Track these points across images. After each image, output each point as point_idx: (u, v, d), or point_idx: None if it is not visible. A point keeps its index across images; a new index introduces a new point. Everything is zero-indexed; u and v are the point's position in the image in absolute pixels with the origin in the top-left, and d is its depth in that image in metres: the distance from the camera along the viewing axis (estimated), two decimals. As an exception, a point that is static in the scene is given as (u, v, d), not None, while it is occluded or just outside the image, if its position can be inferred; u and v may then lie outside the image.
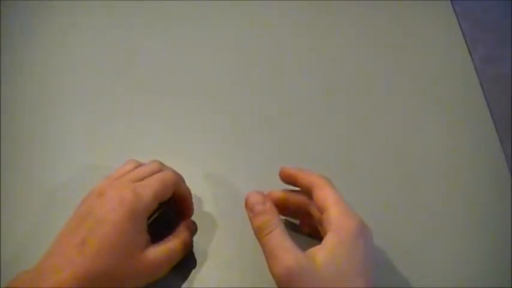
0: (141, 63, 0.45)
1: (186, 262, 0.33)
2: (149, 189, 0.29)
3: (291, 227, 0.35)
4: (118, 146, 0.40)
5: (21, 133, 0.41)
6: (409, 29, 0.47)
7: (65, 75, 0.45)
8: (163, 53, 0.46)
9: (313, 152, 0.40)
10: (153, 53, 0.46)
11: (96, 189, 0.30)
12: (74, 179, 0.37)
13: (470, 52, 0.45)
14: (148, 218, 0.32)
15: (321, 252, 0.27)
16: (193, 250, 0.34)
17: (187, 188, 0.34)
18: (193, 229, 0.35)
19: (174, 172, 0.33)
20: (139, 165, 0.33)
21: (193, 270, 0.33)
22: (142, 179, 0.31)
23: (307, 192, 0.31)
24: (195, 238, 0.35)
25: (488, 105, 0.42)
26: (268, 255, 0.28)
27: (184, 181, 0.34)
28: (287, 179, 0.33)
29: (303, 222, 0.35)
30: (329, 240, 0.27)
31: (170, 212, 0.34)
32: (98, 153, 0.40)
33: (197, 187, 0.36)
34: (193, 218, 0.36)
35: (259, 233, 0.29)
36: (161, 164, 0.33)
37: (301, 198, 0.33)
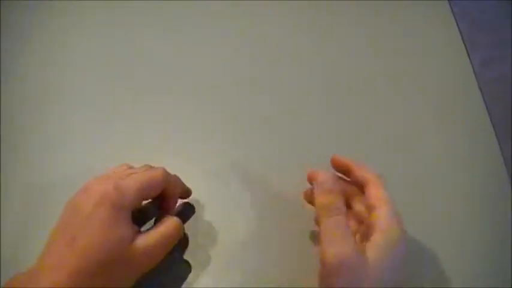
0: (141, 64, 0.45)
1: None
2: (132, 184, 0.30)
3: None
4: (117, 146, 0.40)
5: (21, 133, 0.41)
6: (407, 30, 0.47)
7: (65, 75, 0.45)
8: (163, 53, 0.46)
9: (313, 152, 0.40)
10: (153, 53, 0.46)
11: (82, 186, 0.30)
12: (73, 179, 0.37)
13: (468, 53, 0.45)
14: (144, 221, 0.33)
15: (371, 249, 0.27)
16: (193, 253, 0.34)
17: (179, 183, 0.34)
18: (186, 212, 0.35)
19: (164, 171, 0.32)
20: (131, 167, 0.33)
21: (194, 271, 0.33)
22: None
23: (358, 186, 0.31)
24: (195, 238, 0.35)
25: (486, 106, 0.42)
26: (326, 237, 0.27)
27: (178, 180, 0.34)
28: (339, 167, 0.33)
29: None
30: (380, 239, 0.27)
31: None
32: (97, 153, 0.40)
33: (197, 187, 0.36)
34: (193, 218, 0.36)
35: (323, 211, 0.28)
36: (151, 167, 0.33)
37: (349, 188, 0.32)
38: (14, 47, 0.46)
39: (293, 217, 0.36)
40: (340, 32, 0.47)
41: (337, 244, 0.26)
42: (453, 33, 0.47)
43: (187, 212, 0.36)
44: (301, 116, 0.42)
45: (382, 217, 0.28)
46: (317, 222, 0.29)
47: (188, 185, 0.36)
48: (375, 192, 0.30)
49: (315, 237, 0.34)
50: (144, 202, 0.32)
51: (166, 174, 0.32)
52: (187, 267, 0.34)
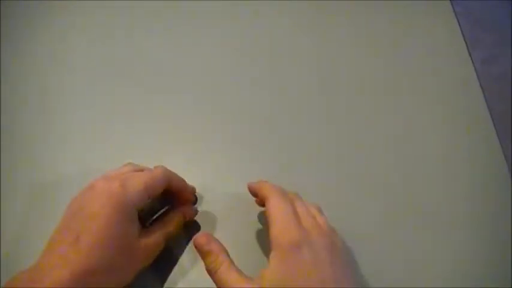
0: (141, 64, 0.45)
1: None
2: (137, 183, 0.30)
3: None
4: (118, 146, 0.40)
5: (21, 133, 0.41)
6: (408, 29, 0.47)
7: (65, 75, 0.45)
8: (163, 53, 0.46)
9: (313, 152, 0.40)
10: (153, 53, 0.46)
11: (88, 184, 0.30)
12: (73, 179, 0.37)
13: (469, 52, 0.45)
14: (149, 219, 0.33)
15: (266, 273, 0.27)
16: (193, 252, 0.34)
17: (182, 182, 0.34)
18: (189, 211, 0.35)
19: (165, 168, 0.33)
20: (136, 166, 0.34)
21: (194, 271, 0.33)
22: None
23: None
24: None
25: (488, 104, 0.42)
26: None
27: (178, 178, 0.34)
28: (253, 194, 0.34)
29: None
30: (271, 259, 0.28)
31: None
32: (97, 153, 0.40)
33: (197, 187, 0.36)
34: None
35: (208, 272, 0.29)
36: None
37: None
38: (14, 47, 0.47)
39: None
40: (340, 32, 0.47)
41: None
42: (454, 32, 0.47)
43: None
44: (301, 115, 0.42)
45: (271, 236, 0.28)
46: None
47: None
48: (267, 208, 0.30)
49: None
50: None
51: (168, 171, 0.33)
52: (187, 266, 0.34)
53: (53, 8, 0.49)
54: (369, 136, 0.40)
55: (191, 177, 0.36)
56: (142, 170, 0.33)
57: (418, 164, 0.39)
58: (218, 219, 0.36)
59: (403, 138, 0.40)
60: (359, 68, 0.45)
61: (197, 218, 0.36)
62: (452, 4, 0.49)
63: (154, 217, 0.34)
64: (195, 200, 0.36)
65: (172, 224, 0.33)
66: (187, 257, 0.34)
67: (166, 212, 0.34)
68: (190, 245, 0.34)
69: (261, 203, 0.32)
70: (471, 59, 0.45)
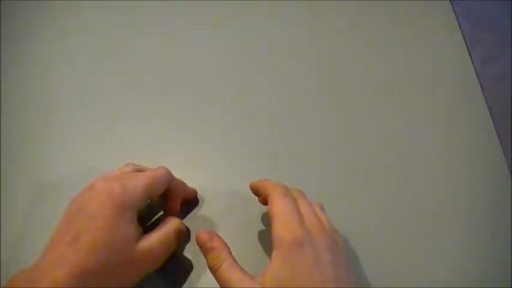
0: (141, 63, 0.45)
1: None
2: (138, 184, 0.30)
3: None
4: (118, 146, 0.40)
5: (21, 133, 0.41)
6: (409, 29, 0.47)
7: (65, 75, 0.45)
8: (163, 53, 0.46)
9: (313, 152, 0.40)
10: (153, 53, 0.46)
11: (88, 184, 0.30)
12: (73, 179, 0.37)
13: (469, 52, 0.45)
14: (149, 220, 0.33)
15: (268, 272, 0.27)
16: (194, 252, 0.34)
17: (181, 184, 0.34)
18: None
19: (167, 170, 0.33)
20: (136, 167, 0.34)
21: (194, 271, 0.33)
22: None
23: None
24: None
25: (488, 105, 0.42)
26: None
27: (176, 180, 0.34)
28: (255, 193, 0.34)
29: None
30: (273, 257, 0.27)
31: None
32: (97, 153, 0.40)
33: (197, 187, 0.36)
34: (193, 218, 0.36)
35: (211, 269, 0.29)
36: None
37: None
38: (15, 47, 0.47)
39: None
40: (340, 32, 0.47)
41: None
42: (454, 32, 0.47)
43: (191, 206, 0.36)
44: (301, 115, 0.42)
45: (273, 234, 0.28)
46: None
47: (188, 185, 0.36)
48: (270, 207, 0.30)
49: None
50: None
51: (169, 173, 0.33)
52: (188, 266, 0.34)
53: (53, 8, 0.49)
54: (369, 136, 0.40)
55: (191, 177, 0.36)
56: (142, 171, 0.33)
57: (418, 164, 0.39)
58: (218, 219, 0.36)
59: (403, 138, 0.40)
60: (359, 68, 0.45)
61: (197, 218, 0.36)
62: (452, 4, 0.49)
63: (154, 219, 0.34)
64: (196, 203, 0.36)
65: (174, 228, 0.32)
66: (189, 254, 0.34)
67: (166, 214, 0.34)
68: (192, 241, 0.34)
69: (264, 201, 0.32)
70: (471, 59, 0.45)
